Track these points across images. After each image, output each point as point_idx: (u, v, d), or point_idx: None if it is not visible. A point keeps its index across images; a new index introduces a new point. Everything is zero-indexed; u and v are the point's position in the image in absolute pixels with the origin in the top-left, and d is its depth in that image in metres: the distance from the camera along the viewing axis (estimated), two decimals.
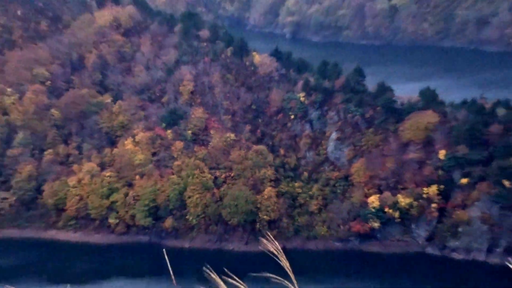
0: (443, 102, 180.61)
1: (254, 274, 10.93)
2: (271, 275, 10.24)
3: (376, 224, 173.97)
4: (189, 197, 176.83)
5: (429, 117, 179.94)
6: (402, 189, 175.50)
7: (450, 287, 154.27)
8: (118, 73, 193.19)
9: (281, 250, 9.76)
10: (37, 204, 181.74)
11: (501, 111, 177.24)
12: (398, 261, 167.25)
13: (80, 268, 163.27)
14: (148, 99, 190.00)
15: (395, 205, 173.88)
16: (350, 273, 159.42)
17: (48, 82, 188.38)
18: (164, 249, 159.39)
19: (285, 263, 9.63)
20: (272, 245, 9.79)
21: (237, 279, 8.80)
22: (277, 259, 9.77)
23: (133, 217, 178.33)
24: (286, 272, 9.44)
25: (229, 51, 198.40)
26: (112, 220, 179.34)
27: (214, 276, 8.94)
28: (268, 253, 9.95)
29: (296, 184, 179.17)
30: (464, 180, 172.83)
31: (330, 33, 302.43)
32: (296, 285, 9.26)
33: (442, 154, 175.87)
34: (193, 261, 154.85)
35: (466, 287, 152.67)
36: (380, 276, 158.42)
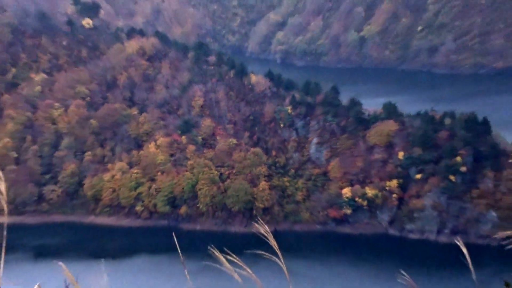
0: (402, 114, 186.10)
1: (249, 251, 11.25)
2: (262, 252, 10.54)
3: (348, 211, 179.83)
4: (200, 189, 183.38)
5: (390, 125, 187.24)
6: (369, 183, 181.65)
7: (407, 261, 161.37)
8: (143, 90, 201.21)
9: (270, 232, 9.88)
10: (79, 195, 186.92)
11: (447, 121, 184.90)
12: (366, 240, 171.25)
13: (112, 246, 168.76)
14: (167, 112, 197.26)
15: (363, 196, 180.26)
16: (328, 250, 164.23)
17: (88, 98, 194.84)
18: (173, 232, 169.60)
19: (273, 243, 9.44)
20: (262, 228, 10.11)
21: (234, 256, 8.70)
22: (266, 239, 9.98)
23: (155, 205, 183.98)
24: (275, 251, 9.60)
25: (231, 73, 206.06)
26: (138, 208, 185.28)
27: (217, 253, 8.62)
28: (259, 234, 10.21)
29: (285, 179, 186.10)
30: (418, 176, 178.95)
31: (311, 59, 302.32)
32: (282, 260, 8.95)
33: (400, 155, 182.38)
34: (203, 240, 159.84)
35: (420, 261, 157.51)
36: (352, 252, 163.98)
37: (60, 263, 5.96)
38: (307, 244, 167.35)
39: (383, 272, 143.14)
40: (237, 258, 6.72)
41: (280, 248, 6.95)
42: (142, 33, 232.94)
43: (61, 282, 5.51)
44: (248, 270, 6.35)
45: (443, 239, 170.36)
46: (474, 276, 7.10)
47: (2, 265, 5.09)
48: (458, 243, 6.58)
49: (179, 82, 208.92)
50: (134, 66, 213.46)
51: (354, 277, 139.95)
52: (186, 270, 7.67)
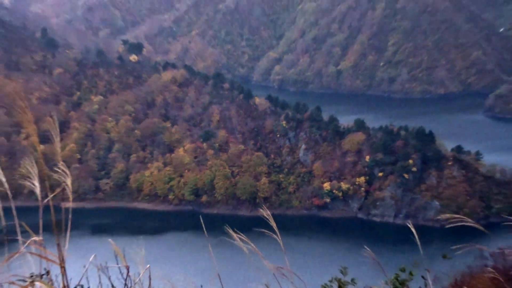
0: (368, 127, 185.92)
1: (256, 230, 9.17)
2: (264, 230, 9.91)
3: (328, 200, 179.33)
4: (216, 183, 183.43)
5: (359, 136, 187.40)
6: (344, 179, 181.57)
7: (371, 238, 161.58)
8: (174, 109, 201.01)
9: (271, 215, 9.13)
10: (126, 187, 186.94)
11: (402, 133, 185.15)
12: (340, 222, 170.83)
13: (150, 226, 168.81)
14: (192, 125, 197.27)
15: (339, 188, 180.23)
16: (312, 229, 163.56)
17: (133, 114, 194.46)
18: (200, 215, 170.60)
19: (272, 223, 8.74)
20: (265, 212, 9.50)
21: (242, 234, 8.05)
22: (267, 221, 9.04)
23: (183, 194, 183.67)
24: (273, 229, 8.83)
25: (241, 96, 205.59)
26: (170, 196, 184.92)
27: (230, 231, 8.13)
28: (263, 217, 9.48)
29: (280, 176, 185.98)
30: (380, 174, 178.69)
31: (300, 86, 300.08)
32: (279, 236, 8.36)
33: (367, 158, 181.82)
34: (219, 221, 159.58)
35: (381, 238, 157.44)
36: (330, 231, 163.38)
37: (110, 239, 5.94)
38: (296, 225, 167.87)
39: (353, 246, 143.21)
40: (244, 235, 6.66)
41: (277, 227, 6.91)
42: (174, 66, 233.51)
43: (111, 253, 5.49)
44: (252, 244, 6.31)
45: (398, 221, 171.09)
46: (421, 250, 7.05)
47: (67, 239, 5.07)
48: (409, 225, 6.53)
49: (202, 102, 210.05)
50: (168, 90, 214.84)
51: (331, 250, 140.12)
52: (209, 244, 7.55)
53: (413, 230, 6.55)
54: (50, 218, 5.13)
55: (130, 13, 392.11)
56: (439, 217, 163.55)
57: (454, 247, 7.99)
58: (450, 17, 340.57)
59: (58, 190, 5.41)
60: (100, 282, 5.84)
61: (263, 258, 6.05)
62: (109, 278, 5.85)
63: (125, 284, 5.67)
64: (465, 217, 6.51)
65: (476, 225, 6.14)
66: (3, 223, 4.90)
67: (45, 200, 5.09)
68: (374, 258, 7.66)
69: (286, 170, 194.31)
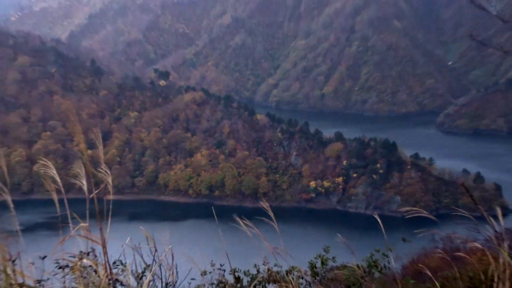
0: (345, 138, 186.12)
1: (257, 218, 9.29)
2: (264, 218, 8.65)
3: (313, 195, 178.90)
4: (226, 181, 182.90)
5: (338, 145, 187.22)
6: (326, 178, 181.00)
7: (347, 225, 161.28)
8: (194, 123, 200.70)
9: (269, 207, 8.65)
10: (155, 183, 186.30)
11: (372, 143, 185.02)
12: (323, 212, 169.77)
13: (173, 214, 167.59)
14: (208, 135, 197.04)
15: (322, 186, 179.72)
16: (301, 218, 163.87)
17: (161, 127, 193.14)
18: (213, 206, 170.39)
19: (270, 213, 8.39)
20: (264, 204, 8.73)
21: (248, 220, 7.79)
22: (266, 211, 8.61)
23: (200, 190, 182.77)
24: (271, 218, 8.19)
25: (246, 113, 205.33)
26: (190, 191, 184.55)
27: (237, 219, 7.84)
28: (262, 208, 8.65)
29: (276, 176, 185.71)
30: (354, 175, 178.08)
31: (293, 105, 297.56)
32: (275, 223, 7.81)
33: (344, 162, 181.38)
34: (228, 211, 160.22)
35: (355, 225, 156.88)
36: (314, 219, 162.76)
37: (142, 226, 5.93)
38: (289, 214, 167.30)
39: (332, 231, 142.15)
40: (248, 222, 6.65)
41: (273, 216, 6.90)
42: (194, 89, 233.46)
43: (143, 236, 5.50)
44: (255, 229, 6.31)
45: (368, 212, 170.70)
46: (385, 235, 6.99)
47: (108, 225, 5.06)
48: (376, 216, 6.52)
49: (215, 118, 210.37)
50: (189, 108, 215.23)
51: (316, 234, 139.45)
52: (219, 229, 7.56)
53: (379, 219, 6.52)
54: (94, 208, 5.14)
55: (160, 47, 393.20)
56: (400, 210, 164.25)
57: (412, 232, 7.99)
58: (409, 53, 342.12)
59: (102, 186, 5.42)
60: (134, 259, 5.84)
61: (262, 239, 6.04)
62: (141, 256, 5.85)
63: (154, 260, 5.67)
64: (420, 209, 6.47)
65: (429, 216, 6.10)
66: (58, 212, 4.90)
67: (91, 194, 5.09)
68: (346, 243, 7.63)
69: (281, 171, 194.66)
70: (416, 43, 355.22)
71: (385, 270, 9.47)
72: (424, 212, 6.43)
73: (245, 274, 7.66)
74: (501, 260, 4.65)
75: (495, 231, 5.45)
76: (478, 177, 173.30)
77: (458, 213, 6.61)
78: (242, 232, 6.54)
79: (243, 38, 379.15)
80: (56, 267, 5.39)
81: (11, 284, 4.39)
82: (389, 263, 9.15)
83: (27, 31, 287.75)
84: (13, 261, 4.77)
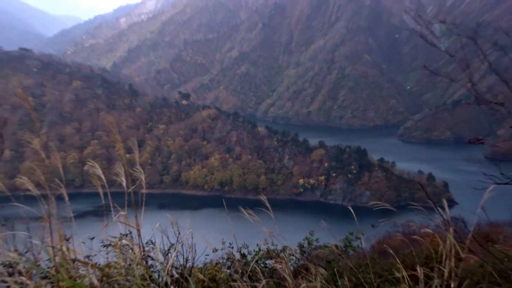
0: (327, 146, 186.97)
1: (257, 208, 8.10)
2: (263, 208, 7.72)
3: (301, 190, 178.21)
4: (234, 179, 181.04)
5: (321, 151, 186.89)
6: (311, 177, 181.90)
7: (328, 214, 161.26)
8: (209, 133, 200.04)
9: (266, 199, 7.81)
10: (179, 180, 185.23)
11: (347, 150, 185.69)
12: (309, 204, 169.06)
13: (193, 204, 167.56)
14: (220, 143, 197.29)
15: (309, 183, 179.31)
16: (293, 208, 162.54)
17: (184, 136, 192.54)
18: (223, 199, 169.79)
19: (267, 204, 7.49)
20: (263, 197, 8.03)
21: (250, 210, 7.26)
22: (264, 203, 7.66)
23: (213, 185, 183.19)
24: (268, 208, 7.39)
25: (249, 126, 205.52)
26: (206, 186, 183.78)
27: (242, 209, 7.28)
28: (262, 200, 7.82)
29: (273, 175, 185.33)
30: (334, 174, 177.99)
31: (286, 120, 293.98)
32: (271, 212, 7.12)
33: (326, 164, 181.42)
34: (235, 202, 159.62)
35: (334, 214, 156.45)
36: (302, 209, 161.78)
37: (168, 214, 5.96)
38: (282, 205, 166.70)
39: (317, 219, 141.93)
40: (251, 211, 6.66)
41: (270, 207, 6.88)
42: (209, 107, 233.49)
43: (169, 222, 5.51)
44: (256, 217, 6.29)
45: (344, 203, 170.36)
46: (357, 222, 6.99)
47: (142, 213, 5.08)
48: (349, 207, 6.54)
49: (225, 129, 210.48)
50: (205, 122, 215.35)
51: (303, 221, 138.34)
52: (228, 216, 7.55)
53: (352, 210, 6.51)
54: (131, 200, 5.15)
55: (182, 75, 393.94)
56: (369, 202, 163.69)
57: (379, 219, 8.00)
58: (376, 79, 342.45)
59: (137, 182, 5.44)
60: (162, 240, 5.85)
61: (262, 225, 6.04)
62: (167, 237, 5.84)
63: (177, 240, 5.68)
64: (385, 203, 6.47)
65: (391, 207, 6.10)
66: (103, 202, 4.92)
67: (129, 189, 5.11)
68: (327, 227, 7.61)
69: (276, 171, 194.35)
70: (382, 72, 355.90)
71: (357, 249, 9.58)
72: (387, 205, 6.45)
73: (248, 252, 7.68)
74: (447, 242, 4.71)
75: (443, 219, 5.48)
76: (430, 177, 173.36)
77: (414, 205, 6.63)
78: (246, 219, 6.55)
79: (247, 68, 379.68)
80: (101, 245, 5.40)
81: (65, 259, 4.41)
82: (361, 243, 9.30)
83: (80, 62, 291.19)
84: (67, 240, 4.78)
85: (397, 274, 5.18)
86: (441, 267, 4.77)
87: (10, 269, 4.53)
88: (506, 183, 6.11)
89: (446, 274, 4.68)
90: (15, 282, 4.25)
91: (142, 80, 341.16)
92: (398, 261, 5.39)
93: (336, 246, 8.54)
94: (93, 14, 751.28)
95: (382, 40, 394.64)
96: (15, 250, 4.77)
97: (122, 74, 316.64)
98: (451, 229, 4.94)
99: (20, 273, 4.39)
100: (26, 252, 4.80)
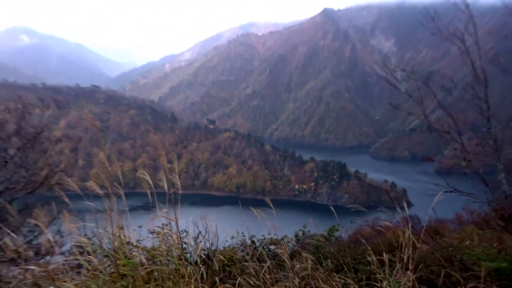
0: (316, 160, 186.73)
1: (263, 207, 7.20)
2: (269, 208, 6.83)
3: (297, 193, 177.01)
4: (247, 184, 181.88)
5: (312, 164, 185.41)
6: (304, 183, 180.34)
7: (317, 212, 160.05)
8: (229, 150, 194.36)
9: (270, 200, 6.88)
10: (206, 184, 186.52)
11: (331, 163, 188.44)
12: (302, 204, 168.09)
13: (216, 202, 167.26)
14: (236, 157, 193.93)
15: (302, 188, 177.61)
16: (291, 207, 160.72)
17: (210, 151, 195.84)
18: (239, 199, 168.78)
19: (271, 204, 6.53)
20: (267, 199, 6.99)
21: (258, 209, 6.29)
22: (268, 202, 6.75)
23: (232, 188, 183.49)
24: (271, 206, 6.62)
25: (259, 145, 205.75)
26: (226, 189, 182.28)
27: (253, 208, 6.34)
28: (267, 200, 6.78)
29: (275, 181, 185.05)
30: (321, 181, 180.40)
31: (286, 141, 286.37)
32: (274, 210, 6.48)
33: (315, 174, 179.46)
34: (248, 202, 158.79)
35: (321, 212, 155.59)
36: (296, 208, 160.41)
37: (198, 211, 6.01)
38: (282, 204, 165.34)
39: (308, 215, 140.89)
40: (259, 209, 6.69)
41: (273, 205, 6.86)
42: (229, 130, 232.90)
43: (199, 216, 5.54)
44: (263, 214, 6.32)
45: (329, 203, 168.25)
46: (337, 219, 6.98)
47: (179, 209, 5.10)
48: (331, 207, 6.58)
49: (241, 147, 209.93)
50: (226, 141, 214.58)
51: (298, 217, 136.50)
52: (242, 213, 7.55)
53: (333, 209, 6.51)
54: (171, 199, 5.18)
55: (210, 106, 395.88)
56: (348, 203, 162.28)
57: (355, 217, 7.98)
58: (353, 112, 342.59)
59: (176, 186, 5.49)
60: (194, 229, 5.86)
61: (267, 220, 6.06)
62: (198, 227, 5.86)
63: (205, 230, 5.70)
64: (358, 204, 6.46)
65: (363, 209, 6.09)
66: (150, 200, 4.98)
67: (169, 191, 5.15)
68: (314, 224, 7.61)
69: (278, 178, 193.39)
70: (357, 106, 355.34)
71: (339, 238, 9.59)
72: (361, 206, 6.45)
73: (257, 240, 7.70)
74: (406, 234, 4.71)
75: (403, 216, 5.49)
76: (393, 185, 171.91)
77: (381, 206, 6.62)
78: (254, 215, 6.55)
79: (258, 102, 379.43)
80: (148, 233, 5.43)
81: (122, 243, 4.50)
82: (341, 234, 9.37)
83: (135, 96, 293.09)
84: (123, 228, 4.83)
85: (368, 258, 5.16)
86: (401, 254, 4.75)
87: (81, 250, 4.74)
88: (451, 191, 6.12)
89: (405, 259, 4.66)
90: (85, 260, 4.42)
91: (180, 110, 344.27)
92: (369, 248, 5.37)
93: (321, 235, 8.60)
94: (145, 61, 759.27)
95: (358, 82, 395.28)
96: (85, 236, 4.88)
97: (166, 105, 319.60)
98: (409, 224, 4.94)
99: (88, 253, 4.52)
100: (93, 237, 4.88)
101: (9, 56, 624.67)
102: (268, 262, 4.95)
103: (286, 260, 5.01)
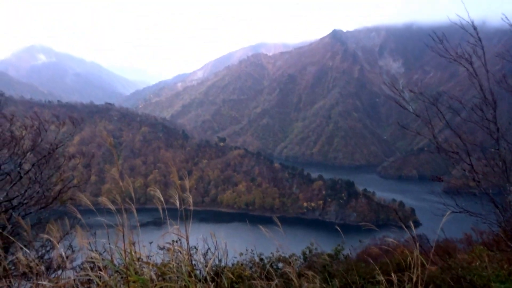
0: (324, 178, 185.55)
1: (271, 225, 6.96)
2: (276, 227, 6.44)
3: (305, 210, 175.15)
4: (256, 201, 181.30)
5: (320, 182, 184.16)
6: (312, 201, 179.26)
7: (324, 229, 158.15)
8: (239, 167, 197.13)
9: (277, 218, 6.47)
10: (216, 201, 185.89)
11: (340, 182, 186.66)
12: (311, 221, 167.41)
13: (226, 219, 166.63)
14: (246, 174, 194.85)
15: (310, 205, 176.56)
16: (298, 224, 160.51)
17: (220, 169, 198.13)
18: (247, 216, 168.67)
19: (278, 223, 6.09)
20: (275, 217, 6.69)
21: (266, 226, 7.32)
22: (276, 219, 6.41)
23: (240, 205, 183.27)
24: (278, 225, 6.27)
25: (268, 162, 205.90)
26: (235, 206, 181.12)
27: (261, 226, 6.28)
28: (275, 218, 6.49)
29: (284, 199, 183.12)
30: (329, 200, 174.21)
31: (295, 159, 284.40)
32: (281, 228, 6.26)
33: (323, 192, 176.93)
34: (256, 219, 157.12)
35: (329, 229, 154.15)
36: (305, 225, 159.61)
37: (207, 228, 6.00)
38: (290, 222, 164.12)
39: (316, 233, 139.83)
40: (267, 226, 6.60)
41: (280, 223, 6.79)
42: (239, 148, 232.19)
43: (208, 233, 5.51)
44: (270, 231, 6.24)
45: (337, 221, 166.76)
46: (343, 238, 6.90)
47: (190, 225, 5.09)
48: (337, 227, 6.42)
49: (250, 165, 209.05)
50: (236, 159, 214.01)
51: (306, 234, 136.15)
52: (250, 230, 7.46)
53: (339, 229, 6.45)
54: (182, 215, 5.18)
55: (220, 124, 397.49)
56: (356, 221, 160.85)
57: (363, 235, 7.87)
58: (361, 131, 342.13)
59: (187, 202, 5.49)
60: (204, 246, 5.84)
61: (274, 238, 5.99)
62: (207, 244, 5.83)
63: (215, 246, 5.66)
64: (368, 223, 6.39)
65: (372, 226, 6.00)
66: (161, 216, 4.97)
67: (181, 208, 5.15)
68: (317, 243, 7.54)
69: (287, 196, 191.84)
70: (365, 126, 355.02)
71: (347, 257, 9.45)
72: (370, 224, 6.35)
73: (265, 257, 7.59)
74: (414, 253, 4.62)
75: (411, 235, 5.40)
76: (401, 204, 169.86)
77: (389, 225, 6.51)
78: (262, 233, 6.47)
79: (267, 120, 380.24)
80: (158, 249, 5.42)
81: (133, 259, 4.50)
82: (350, 253, 9.25)
83: (147, 113, 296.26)
84: (133, 244, 4.82)
85: (378, 278, 5.07)
86: (410, 273, 4.67)
87: (92, 265, 4.70)
88: (459, 212, 6.01)
89: (414, 279, 4.58)
90: (96, 276, 4.38)
91: (192, 127, 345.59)
92: (377, 268, 5.27)
93: (328, 254, 8.52)
94: (158, 80, 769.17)
95: (366, 102, 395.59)
96: (96, 251, 4.87)
97: (177, 123, 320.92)
98: (416, 244, 4.85)
99: (99, 269, 4.48)
100: (104, 252, 4.89)
101: (26, 74, 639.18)
102: (276, 280, 4.89)
103: (294, 279, 4.94)
